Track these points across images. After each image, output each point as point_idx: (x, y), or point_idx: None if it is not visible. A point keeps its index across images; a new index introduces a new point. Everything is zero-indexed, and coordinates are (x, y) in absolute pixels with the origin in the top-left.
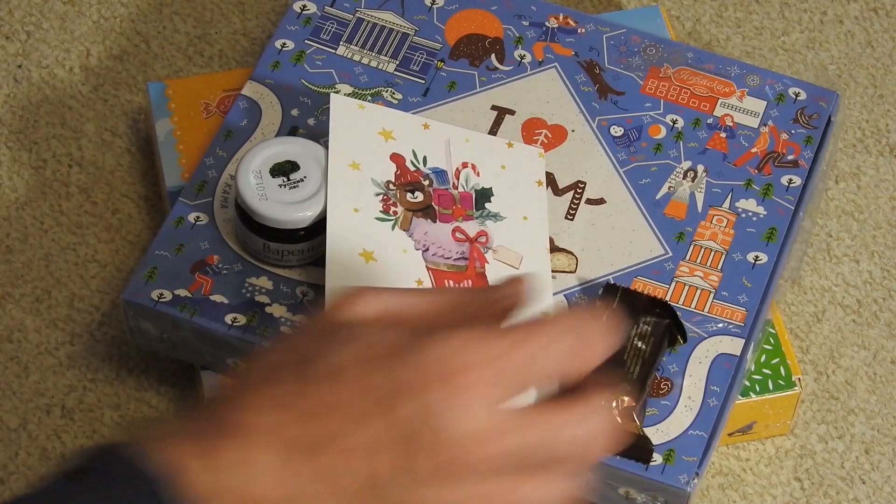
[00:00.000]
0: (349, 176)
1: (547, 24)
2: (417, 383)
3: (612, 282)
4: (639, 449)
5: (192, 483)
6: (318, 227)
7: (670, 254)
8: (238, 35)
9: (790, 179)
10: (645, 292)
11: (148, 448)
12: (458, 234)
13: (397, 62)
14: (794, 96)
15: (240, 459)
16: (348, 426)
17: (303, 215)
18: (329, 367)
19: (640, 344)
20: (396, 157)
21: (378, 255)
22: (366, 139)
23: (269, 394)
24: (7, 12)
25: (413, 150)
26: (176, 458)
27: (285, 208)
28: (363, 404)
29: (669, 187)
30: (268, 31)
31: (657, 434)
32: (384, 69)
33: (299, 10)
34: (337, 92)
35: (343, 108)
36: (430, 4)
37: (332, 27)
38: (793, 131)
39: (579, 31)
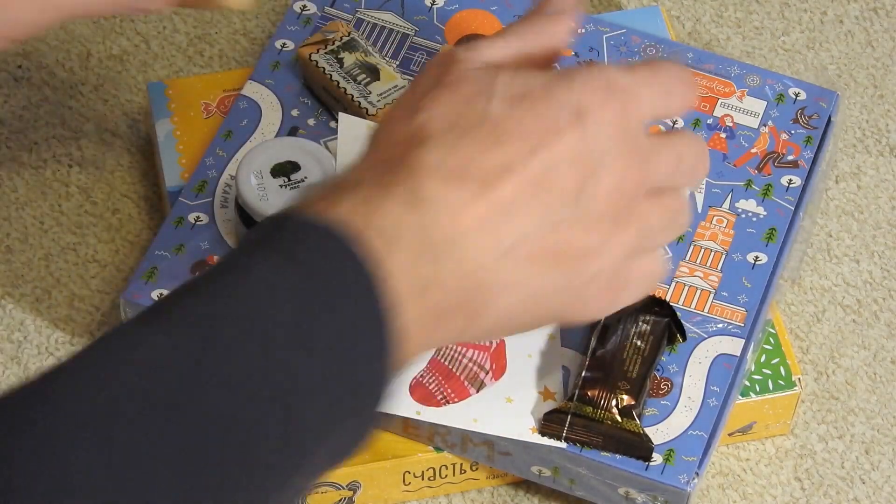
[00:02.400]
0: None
1: None
2: (594, 99)
3: None
4: (639, 448)
5: (370, 228)
6: None
7: (670, 254)
8: (238, 35)
9: (790, 180)
10: None
11: (317, 207)
12: None
13: (397, 62)
14: (794, 96)
15: (415, 198)
16: (532, 149)
17: None
18: (491, 100)
19: (639, 343)
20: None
21: None
22: None
23: (441, 142)
24: None
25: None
26: (347, 210)
27: None
28: (544, 126)
29: None
30: (268, 31)
31: (657, 434)
32: None
33: (299, 11)
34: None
35: (351, 128)
36: (430, 4)
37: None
38: (793, 131)
39: (579, 31)
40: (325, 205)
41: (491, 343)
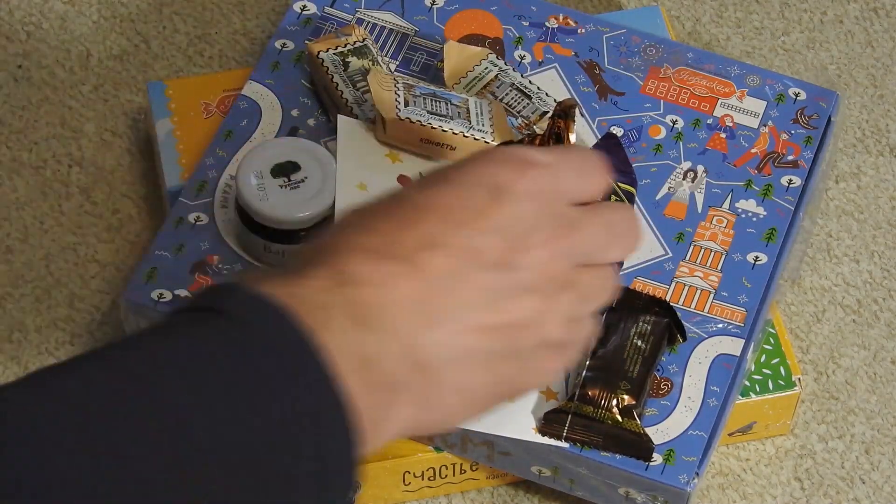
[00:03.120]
0: (357, 197)
1: (547, 24)
2: (510, 175)
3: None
4: (639, 447)
5: (295, 299)
6: (319, 228)
7: (670, 254)
8: (238, 35)
9: (790, 180)
10: (644, 292)
11: (249, 284)
12: None
13: (397, 62)
14: (794, 96)
15: (340, 274)
16: (454, 225)
17: (304, 216)
18: (413, 194)
19: (639, 343)
20: (403, 179)
21: None
22: (373, 161)
23: (362, 226)
24: (7, 12)
25: (420, 173)
26: (274, 288)
27: (286, 209)
28: (463, 202)
29: (669, 188)
30: (268, 31)
31: (657, 434)
32: (384, 69)
33: (299, 10)
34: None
35: (350, 130)
36: (430, 4)
37: (332, 27)
38: (793, 131)
39: (579, 31)
40: (251, 282)
41: None
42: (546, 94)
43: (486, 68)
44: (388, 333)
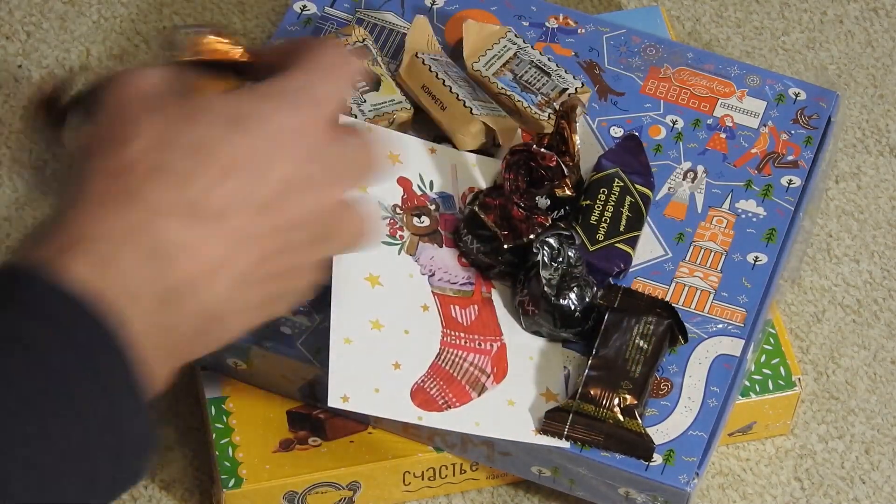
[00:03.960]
0: (356, 198)
1: (547, 24)
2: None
3: (613, 282)
4: (640, 447)
5: (111, 289)
6: None
7: (670, 254)
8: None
9: (790, 180)
10: (644, 292)
11: (53, 265)
12: (464, 260)
13: (397, 63)
14: (794, 96)
15: (157, 247)
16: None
17: None
18: (211, 127)
19: (641, 343)
20: (403, 181)
21: (384, 279)
22: None
23: (167, 178)
24: (7, 12)
25: (420, 174)
26: (86, 272)
27: None
28: (267, 152)
29: (669, 188)
30: (268, 31)
31: (657, 434)
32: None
33: (299, 10)
34: None
35: None
36: (430, 4)
37: (332, 27)
38: (793, 132)
39: (579, 31)
40: (62, 263)
41: (492, 347)
42: (565, 70)
43: (505, 46)
44: (193, 304)
